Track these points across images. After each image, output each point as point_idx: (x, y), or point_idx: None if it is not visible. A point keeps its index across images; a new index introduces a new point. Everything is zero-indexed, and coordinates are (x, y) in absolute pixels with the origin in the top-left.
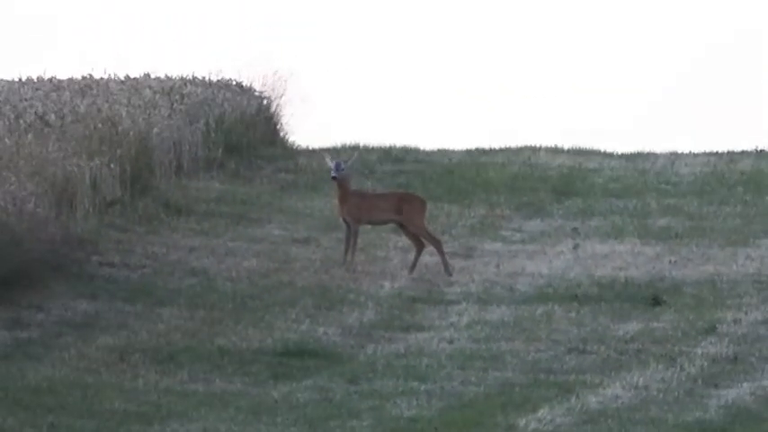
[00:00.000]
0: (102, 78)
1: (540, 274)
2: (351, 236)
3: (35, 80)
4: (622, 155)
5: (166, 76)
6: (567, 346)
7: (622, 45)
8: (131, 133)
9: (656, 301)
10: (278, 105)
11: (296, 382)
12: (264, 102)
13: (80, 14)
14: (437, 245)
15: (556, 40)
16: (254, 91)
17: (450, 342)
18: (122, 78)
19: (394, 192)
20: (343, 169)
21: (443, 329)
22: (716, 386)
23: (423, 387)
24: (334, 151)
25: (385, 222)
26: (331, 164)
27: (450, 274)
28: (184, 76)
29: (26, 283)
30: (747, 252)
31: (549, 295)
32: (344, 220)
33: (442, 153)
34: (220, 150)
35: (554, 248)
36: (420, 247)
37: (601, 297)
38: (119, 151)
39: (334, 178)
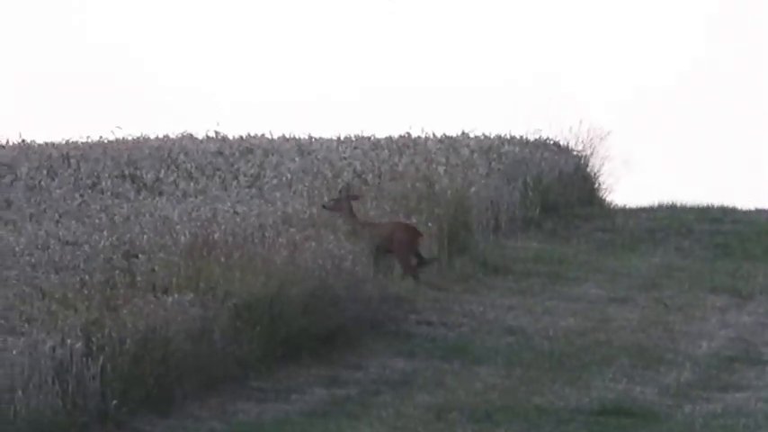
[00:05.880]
0: (419, 137)
1: None
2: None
3: (354, 139)
4: None
5: (484, 134)
6: None
7: None
8: (449, 192)
9: None
10: (595, 164)
11: None
12: (582, 161)
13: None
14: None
15: None
16: (572, 150)
17: None
18: (440, 137)
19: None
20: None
21: (761, 389)
22: None
23: None
24: (650, 210)
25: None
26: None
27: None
28: (502, 135)
29: (344, 341)
30: None
31: None
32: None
33: (760, 213)
34: (537, 210)
35: None
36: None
37: None
38: (436, 210)
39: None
